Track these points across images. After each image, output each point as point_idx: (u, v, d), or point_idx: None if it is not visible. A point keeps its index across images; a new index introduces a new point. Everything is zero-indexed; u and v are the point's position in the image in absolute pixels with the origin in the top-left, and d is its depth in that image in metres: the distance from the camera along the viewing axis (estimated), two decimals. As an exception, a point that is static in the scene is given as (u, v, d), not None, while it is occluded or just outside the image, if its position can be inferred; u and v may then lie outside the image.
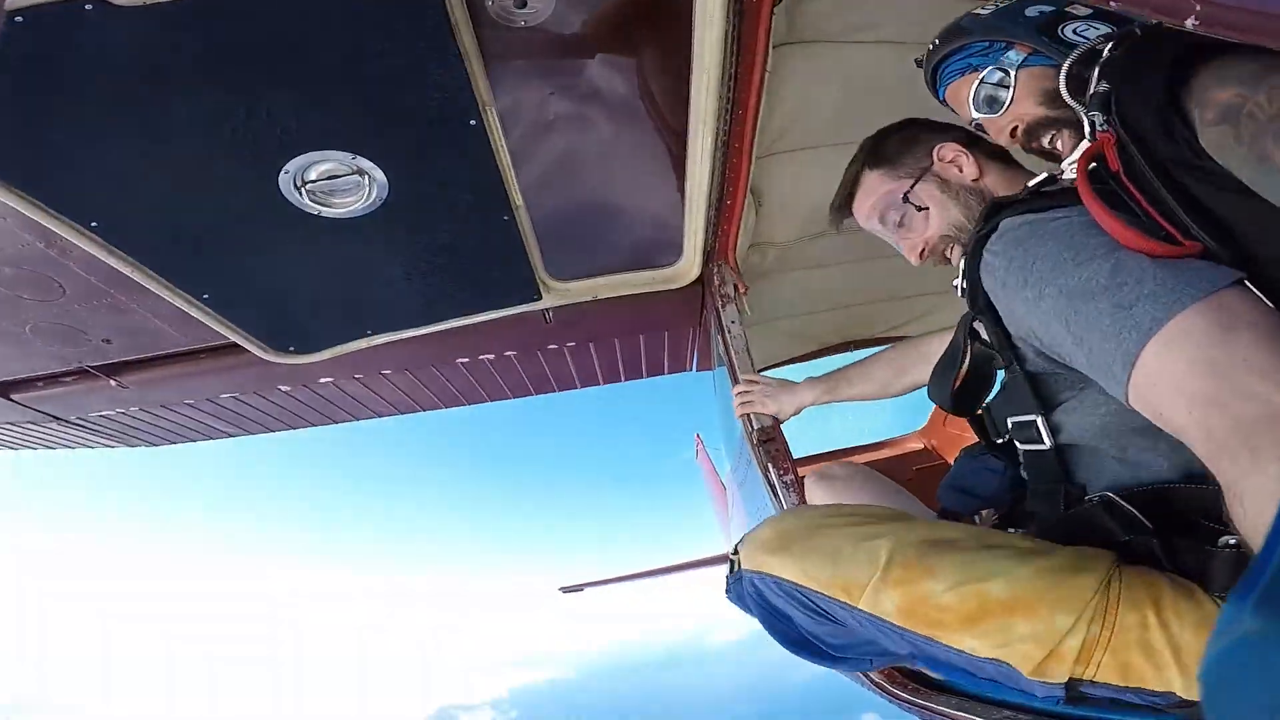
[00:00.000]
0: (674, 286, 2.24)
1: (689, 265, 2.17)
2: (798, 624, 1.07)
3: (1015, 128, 1.21)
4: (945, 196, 1.31)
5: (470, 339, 2.38)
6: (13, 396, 2.58)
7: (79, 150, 1.33)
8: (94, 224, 1.49)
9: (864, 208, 1.42)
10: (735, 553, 1.14)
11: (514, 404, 3.52)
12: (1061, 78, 1.04)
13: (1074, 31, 1.10)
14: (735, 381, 2.01)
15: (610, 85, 1.53)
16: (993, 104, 1.20)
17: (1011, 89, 1.18)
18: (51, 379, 2.53)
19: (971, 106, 1.23)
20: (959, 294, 1.18)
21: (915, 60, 1.35)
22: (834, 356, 3.40)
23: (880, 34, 1.69)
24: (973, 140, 1.34)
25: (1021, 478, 1.22)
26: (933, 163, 1.33)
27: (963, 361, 1.15)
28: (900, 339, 3.31)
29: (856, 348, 3.39)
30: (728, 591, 1.16)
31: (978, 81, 1.20)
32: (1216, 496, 0.79)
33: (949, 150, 1.32)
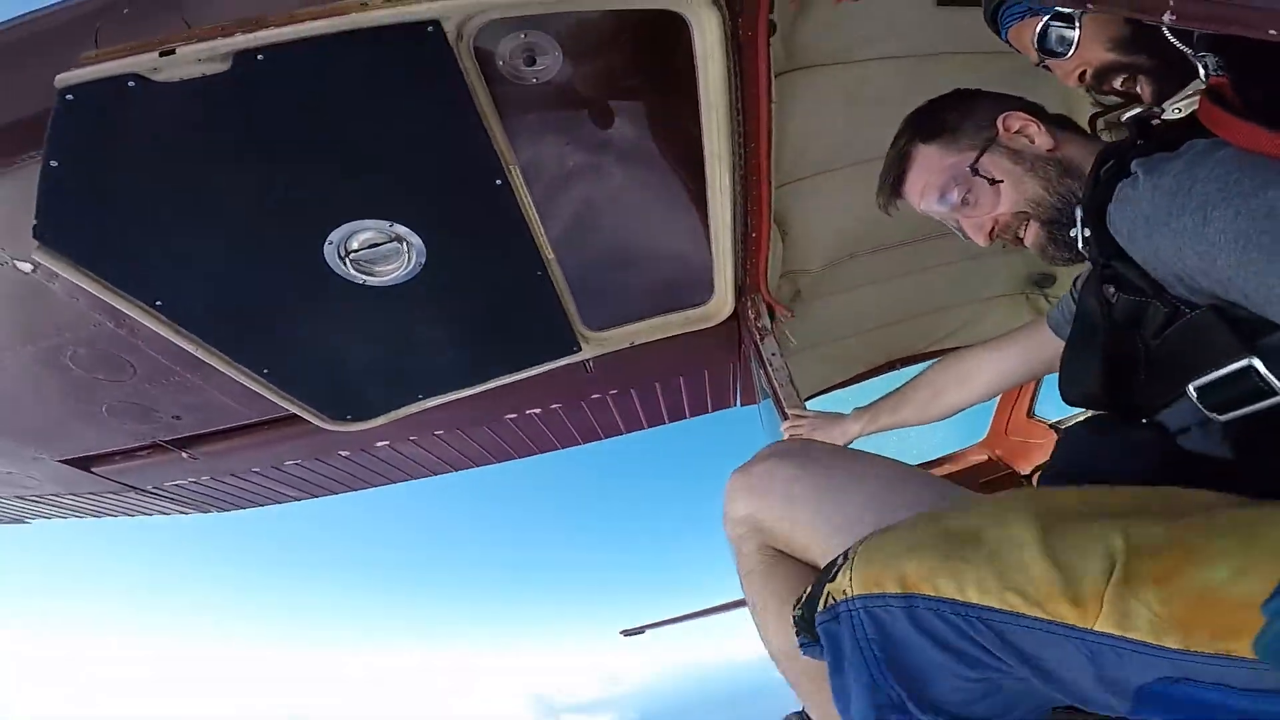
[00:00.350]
0: (709, 324, 2.25)
1: (722, 302, 2.18)
2: (936, 675, 0.74)
3: (1083, 71, 1.17)
4: (1019, 168, 1.15)
5: (516, 395, 2.43)
6: (93, 470, 2.74)
7: (137, 228, 1.40)
8: (158, 303, 1.57)
9: (918, 185, 1.25)
10: (828, 578, 0.83)
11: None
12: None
13: None
14: (783, 415, 1.98)
15: (624, 132, 1.57)
16: (1058, 47, 1.15)
17: (1077, 32, 1.13)
18: (128, 453, 2.68)
19: (1036, 50, 1.17)
20: (1080, 249, 1.06)
21: None
22: (880, 378, 3.35)
23: (875, 50, 1.72)
24: (1040, 110, 1.22)
25: (1180, 455, 0.93)
26: (998, 132, 1.18)
27: (1104, 332, 0.99)
28: (943, 353, 3.27)
29: (902, 365, 3.33)
30: (811, 633, 0.84)
31: (1040, 24, 1.15)
32: None
33: (1016, 119, 1.17)
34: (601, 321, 2.16)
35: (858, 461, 1.10)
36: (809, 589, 0.87)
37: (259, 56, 1.16)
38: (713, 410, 3.52)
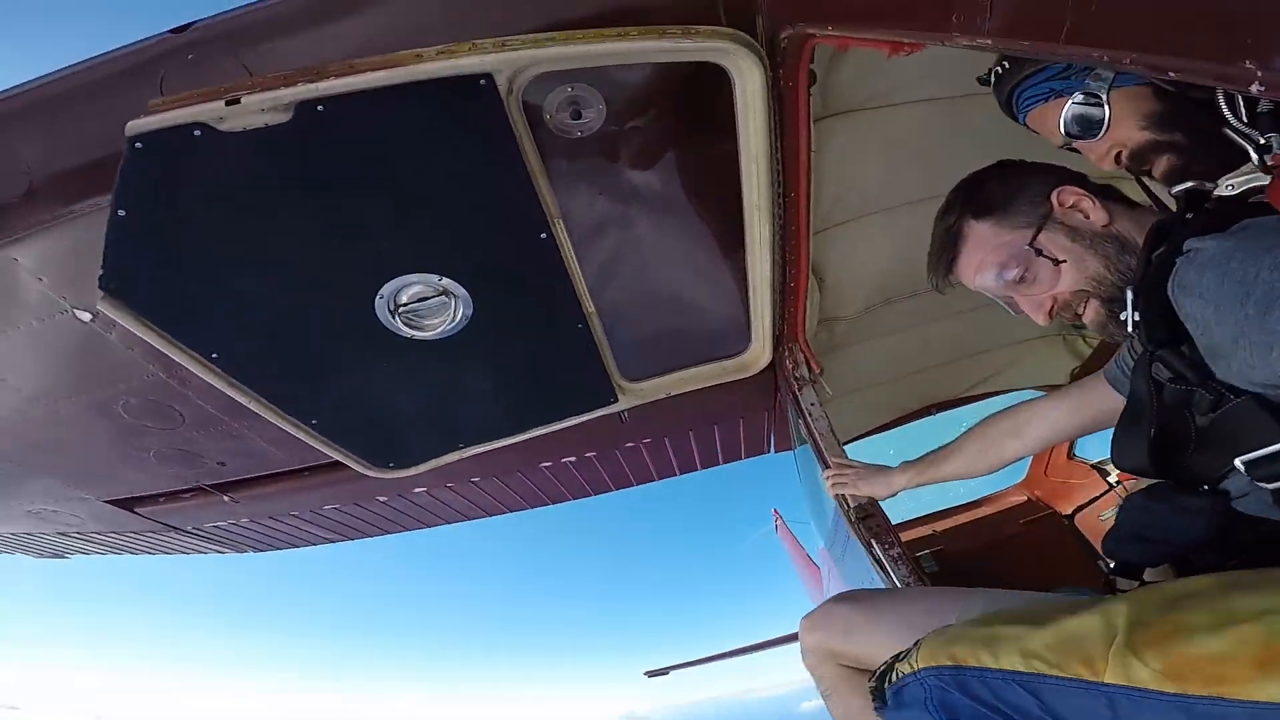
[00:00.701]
0: (746, 375, 2.24)
1: (759, 352, 2.18)
2: None
3: (1119, 153, 1.11)
4: (1079, 246, 1.14)
5: (552, 443, 2.43)
6: (137, 510, 2.80)
7: (198, 280, 1.40)
8: (214, 355, 1.58)
9: (973, 263, 1.23)
10: (897, 659, 1.05)
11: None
12: (1222, 100, 0.94)
13: None
14: (824, 465, 1.96)
15: (665, 184, 1.58)
16: (1088, 128, 1.09)
17: (1106, 111, 1.07)
18: (171, 495, 2.73)
19: (1064, 132, 1.11)
20: (1129, 331, 1.06)
21: (979, 78, 1.25)
22: (917, 422, 3.32)
23: (908, 95, 1.72)
24: (1082, 181, 1.20)
25: (1232, 517, 1.02)
26: (1052, 208, 1.17)
27: (1153, 411, 1.03)
28: (981, 397, 3.23)
29: (939, 410, 3.30)
30: (882, 699, 1.06)
31: (1066, 106, 1.09)
32: None
33: (1070, 194, 1.16)
34: (638, 372, 2.16)
35: (894, 593, 1.37)
36: (880, 668, 1.09)
37: (319, 108, 1.17)
38: (746, 456, 3.50)
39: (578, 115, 1.36)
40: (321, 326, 1.62)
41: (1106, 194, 1.19)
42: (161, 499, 2.76)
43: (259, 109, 1.16)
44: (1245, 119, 0.93)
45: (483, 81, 1.22)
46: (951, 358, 2.96)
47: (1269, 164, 0.93)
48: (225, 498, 2.75)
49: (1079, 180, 1.19)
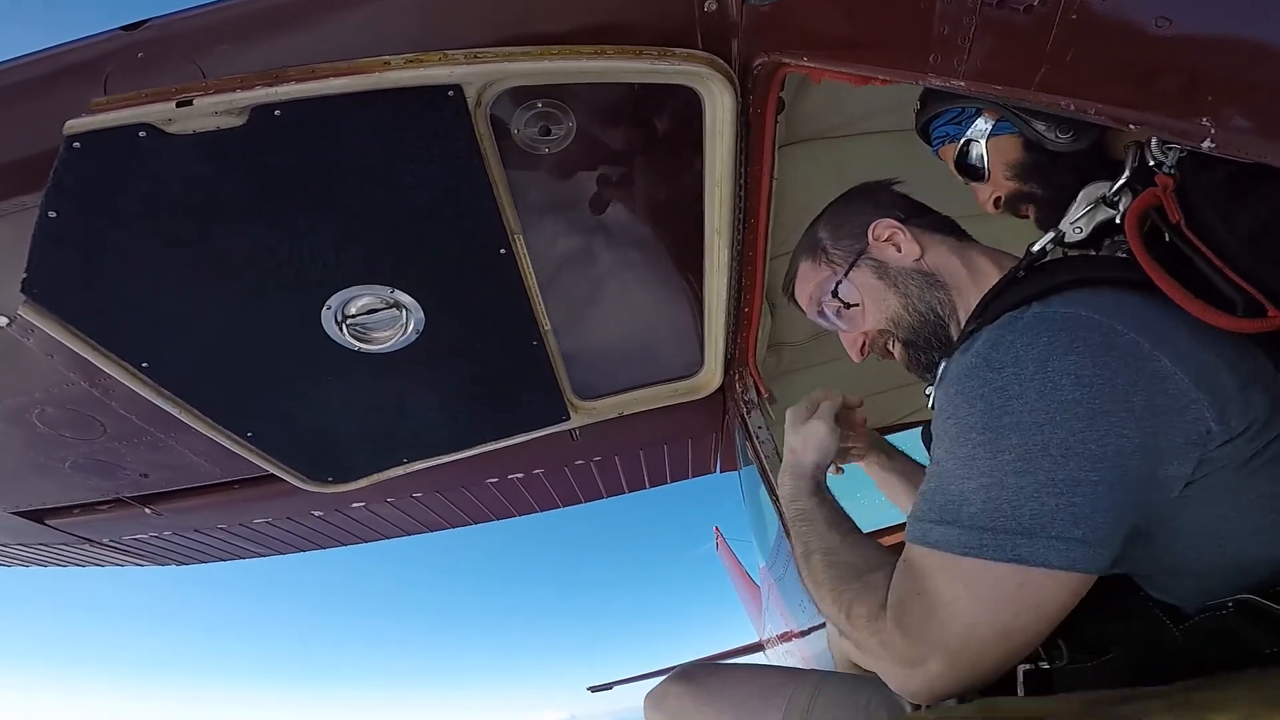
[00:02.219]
0: (697, 397, 2.25)
1: (711, 375, 2.19)
2: None
3: (998, 198, 1.16)
4: (882, 284, 1.16)
5: (499, 459, 2.38)
6: (48, 522, 2.62)
7: (131, 286, 1.33)
8: (145, 365, 1.50)
9: (803, 300, 1.31)
10: None
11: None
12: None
13: None
14: (769, 487, 1.99)
15: (628, 205, 1.58)
16: (971, 173, 1.16)
17: (985, 159, 1.13)
18: (87, 507, 2.57)
19: (958, 176, 1.19)
20: (929, 405, 1.03)
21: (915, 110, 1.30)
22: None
23: (870, 125, 1.76)
24: (917, 211, 1.23)
25: None
26: (868, 243, 1.19)
27: None
28: (924, 422, 3.28)
29: (882, 434, 3.33)
30: None
31: (955, 152, 1.16)
32: None
33: (884, 228, 1.18)
34: (592, 391, 2.15)
35: (730, 673, 1.33)
36: None
37: (276, 112, 1.12)
38: (693, 476, 3.51)
39: (547, 132, 1.34)
40: (263, 336, 1.55)
41: (941, 226, 1.21)
42: (76, 511, 2.58)
43: (211, 112, 1.10)
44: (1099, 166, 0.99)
45: (450, 93, 1.19)
46: (894, 384, 3.03)
47: (1112, 198, 0.96)
48: (147, 510, 2.60)
49: (913, 210, 1.24)
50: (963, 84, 0.78)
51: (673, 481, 3.52)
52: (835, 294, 1.21)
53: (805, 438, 1.26)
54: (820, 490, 1.19)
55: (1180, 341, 0.74)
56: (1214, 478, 0.73)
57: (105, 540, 2.94)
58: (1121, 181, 0.93)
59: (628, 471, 3.21)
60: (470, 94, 1.20)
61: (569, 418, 2.16)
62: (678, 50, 1.25)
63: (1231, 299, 0.72)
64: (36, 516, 2.58)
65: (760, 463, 2.09)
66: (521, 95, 1.27)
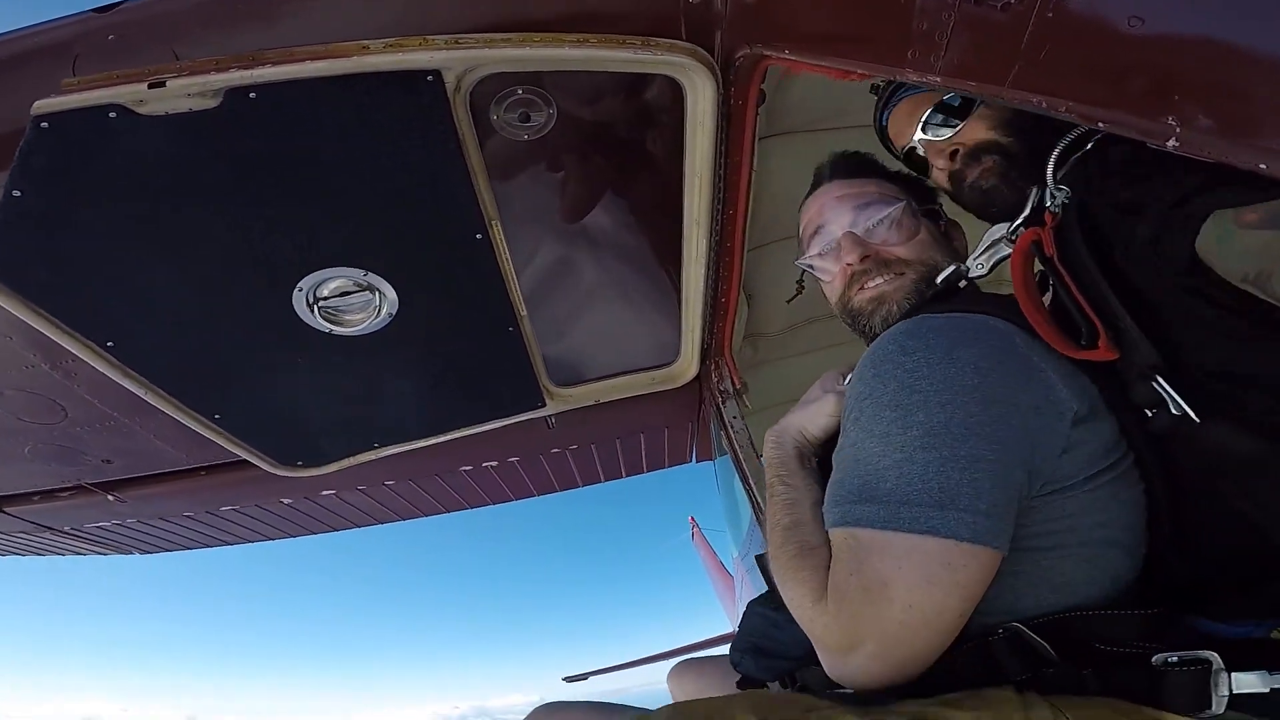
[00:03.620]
0: (673, 386, 2.26)
1: (687, 364, 2.19)
2: None
3: (956, 150, 1.14)
4: (926, 234, 1.24)
5: (474, 447, 2.37)
6: (6, 509, 2.56)
7: (98, 265, 1.31)
8: (110, 344, 1.48)
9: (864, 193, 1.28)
10: None
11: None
12: (1054, 156, 0.98)
13: None
14: (743, 477, 2.02)
15: (608, 193, 1.57)
16: (946, 124, 1.14)
17: (973, 108, 1.12)
18: (47, 494, 2.51)
19: (920, 126, 1.16)
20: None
21: (872, 86, 1.30)
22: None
23: (848, 119, 1.77)
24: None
25: None
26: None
27: None
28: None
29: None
30: None
31: (939, 99, 1.14)
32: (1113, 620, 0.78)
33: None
34: (568, 378, 2.14)
35: (584, 711, 1.23)
36: None
37: (251, 94, 1.11)
38: (669, 465, 3.52)
39: (526, 119, 1.33)
40: (233, 317, 1.52)
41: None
42: (36, 498, 2.52)
43: (184, 93, 1.08)
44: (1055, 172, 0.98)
45: (430, 78, 1.18)
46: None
47: (1009, 237, 1.01)
48: (109, 497, 2.54)
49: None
50: (939, 79, 0.78)
51: (649, 471, 3.52)
52: (890, 213, 1.19)
53: (805, 406, 1.21)
54: (800, 461, 1.13)
55: (1061, 364, 0.83)
56: (1053, 498, 0.81)
57: (66, 528, 2.88)
58: (1019, 222, 0.99)
59: (604, 460, 3.20)
60: (450, 79, 1.19)
61: (545, 404, 2.15)
62: (661, 40, 1.25)
63: (1079, 328, 0.81)
64: (-8, 503, 2.51)
65: (734, 452, 2.11)
66: (502, 82, 1.26)
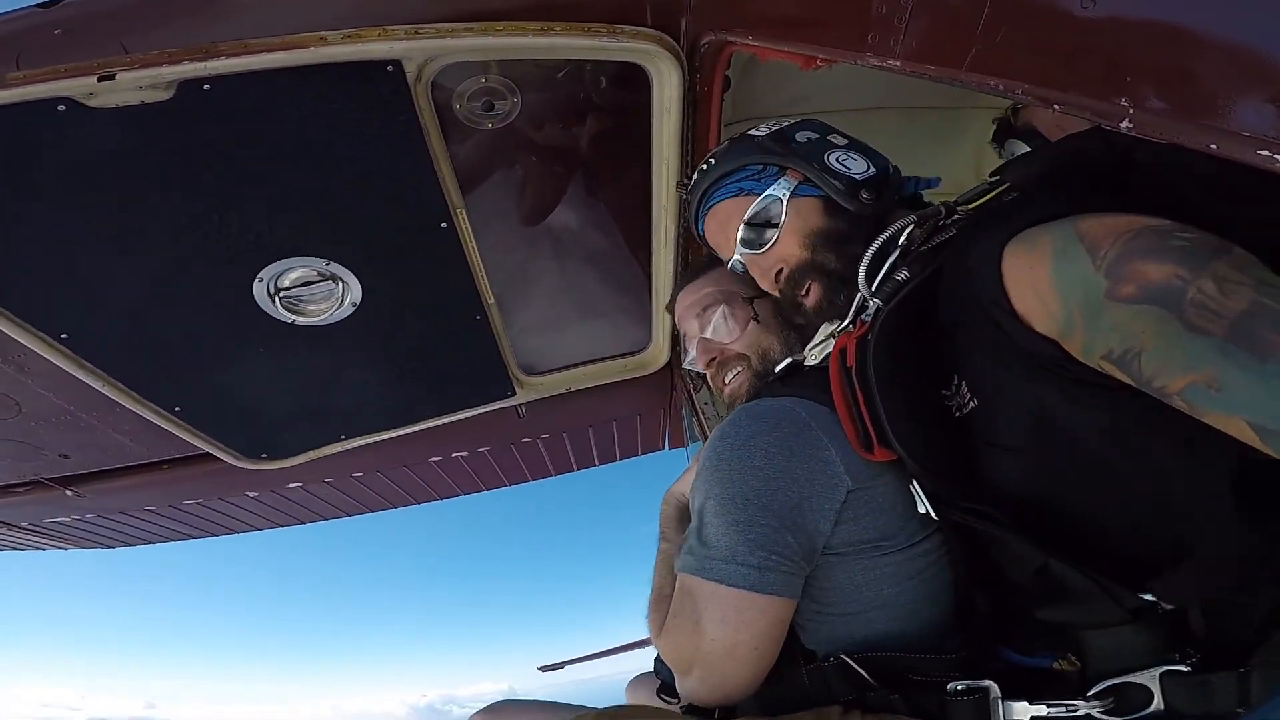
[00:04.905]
0: (644, 373, 2.25)
1: (658, 351, 2.19)
2: None
3: (780, 270, 1.11)
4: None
5: (443, 437, 2.35)
6: (-41, 506, 2.49)
7: (50, 258, 1.29)
8: (64, 336, 1.45)
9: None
10: None
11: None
12: (866, 259, 0.99)
13: (838, 160, 1.07)
14: None
15: (575, 181, 1.56)
16: (761, 236, 1.10)
17: (782, 220, 1.08)
18: (3, 490, 2.45)
19: (738, 240, 1.11)
20: None
21: (678, 185, 1.35)
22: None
23: (813, 106, 1.76)
24: None
25: None
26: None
27: None
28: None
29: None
30: None
31: (750, 208, 1.10)
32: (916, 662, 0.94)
33: None
34: (538, 367, 2.13)
35: (529, 710, 1.41)
36: None
37: (205, 86, 1.09)
38: (642, 453, 3.52)
39: (490, 107, 1.33)
40: (191, 308, 1.49)
41: None
42: (-9, 492, 2.45)
43: (135, 86, 1.07)
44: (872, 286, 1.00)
45: (390, 68, 1.17)
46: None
47: (836, 334, 1.05)
48: (68, 492, 2.47)
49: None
50: (898, 64, 0.79)
51: (622, 458, 3.52)
52: (716, 316, 1.31)
53: (687, 473, 1.29)
54: (679, 520, 1.26)
55: (848, 445, 0.96)
56: (852, 558, 0.97)
57: (24, 524, 2.83)
58: (844, 323, 1.05)
59: (576, 449, 3.20)
60: (410, 69, 1.19)
61: (515, 393, 2.14)
62: (626, 28, 1.24)
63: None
64: (-55, 499, 2.44)
65: (706, 436, 2.10)
66: (465, 71, 1.25)
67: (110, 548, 3.39)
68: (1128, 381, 0.70)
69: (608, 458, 3.45)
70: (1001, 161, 1.58)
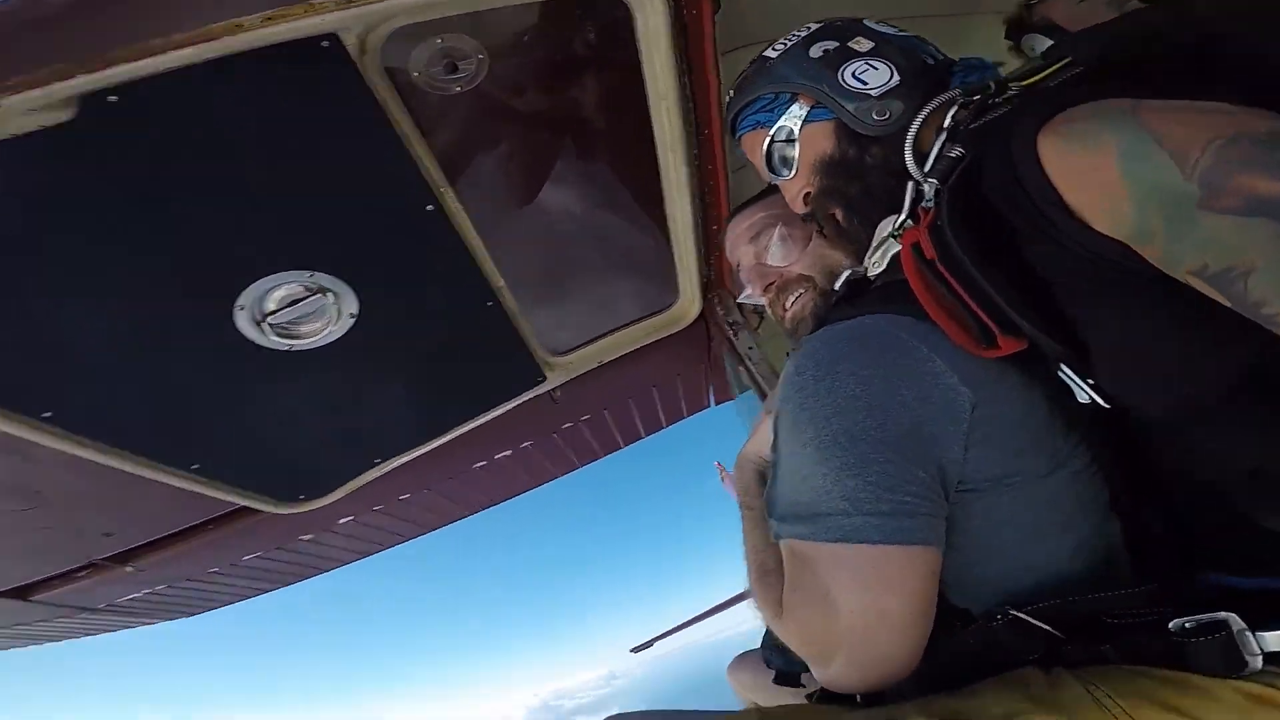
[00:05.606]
0: (678, 329, 2.15)
1: (689, 303, 2.08)
2: None
3: (807, 193, 1.09)
4: None
5: (481, 440, 2.26)
6: (31, 598, 2.45)
7: (7, 329, 1.17)
8: (46, 415, 1.34)
9: None
10: None
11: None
12: (909, 142, 0.94)
13: (854, 75, 1.00)
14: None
15: (569, 135, 1.45)
16: (784, 167, 1.08)
17: (798, 150, 1.06)
18: (65, 576, 2.40)
19: (765, 169, 1.11)
20: None
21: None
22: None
23: (803, 21, 1.66)
24: None
25: None
26: None
27: None
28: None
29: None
30: None
31: (767, 140, 1.08)
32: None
33: None
34: (565, 345, 2.02)
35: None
36: None
37: (111, 98, 0.95)
38: (689, 415, 3.40)
39: (453, 69, 1.19)
40: (171, 353, 1.37)
41: None
42: (55, 582, 2.41)
43: (24, 110, 0.92)
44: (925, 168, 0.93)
45: (325, 43, 1.03)
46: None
47: (896, 232, 0.96)
48: (126, 569, 2.44)
49: None
50: None
51: (669, 425, 3.40)
52: (773, 238, 1.28)
53: (756, 431, 1.20)
54: (760, 484, 1.13)
55: (955, 353, 0.82)
56: (992, 491, 0.82)
57: (101, 605, 2.78)
58: (903, 217, 0.95)
59: (620, 424, 3.09)
60: (350, 41, 1.05)
61: (544, 378, 2.03)
62: None
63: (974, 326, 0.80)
64: (17, 594, 2.40)
65: (757, 384, 2.02)
66: (416, 33, 1.12)
67: (194, 614, 3.37)
68: (1223, 302, 0.60)
69: (653, 427, 3.34)
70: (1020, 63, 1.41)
